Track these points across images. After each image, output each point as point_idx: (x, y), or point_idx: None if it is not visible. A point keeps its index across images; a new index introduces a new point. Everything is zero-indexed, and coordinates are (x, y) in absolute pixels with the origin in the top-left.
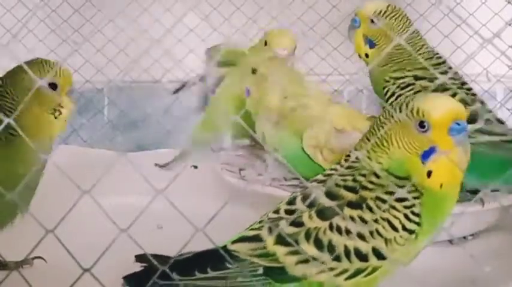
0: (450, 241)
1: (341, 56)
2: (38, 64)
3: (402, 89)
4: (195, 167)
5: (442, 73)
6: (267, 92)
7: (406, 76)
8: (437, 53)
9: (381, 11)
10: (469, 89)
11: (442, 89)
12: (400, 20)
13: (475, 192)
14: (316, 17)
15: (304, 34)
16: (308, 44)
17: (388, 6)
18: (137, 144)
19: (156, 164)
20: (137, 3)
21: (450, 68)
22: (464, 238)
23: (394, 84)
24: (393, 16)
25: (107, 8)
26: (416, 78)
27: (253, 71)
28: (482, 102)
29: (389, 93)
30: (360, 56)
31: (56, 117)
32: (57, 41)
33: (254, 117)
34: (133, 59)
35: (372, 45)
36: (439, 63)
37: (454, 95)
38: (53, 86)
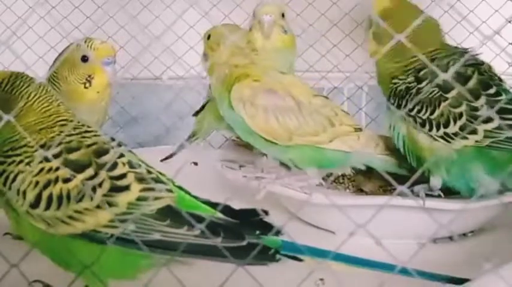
0: (450, 238)
1: (341, 53)
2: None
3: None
4: (195, 163)
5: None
6: (220, 51)
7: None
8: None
9: (385, 8)
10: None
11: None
12: (408, 14)
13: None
14: (316, 13)
15: (304, 31)
16: (308, 41)
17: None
18: (137, 141)
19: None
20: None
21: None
22: (464, 235)
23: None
24: (400, 10)
25: (107, 4)
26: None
27: (208, 37)
28: None
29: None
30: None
31: (86, 88)
32: (57, 38)
33: (210, 81)
34: (133, 56)
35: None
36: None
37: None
38: (84, 58)
